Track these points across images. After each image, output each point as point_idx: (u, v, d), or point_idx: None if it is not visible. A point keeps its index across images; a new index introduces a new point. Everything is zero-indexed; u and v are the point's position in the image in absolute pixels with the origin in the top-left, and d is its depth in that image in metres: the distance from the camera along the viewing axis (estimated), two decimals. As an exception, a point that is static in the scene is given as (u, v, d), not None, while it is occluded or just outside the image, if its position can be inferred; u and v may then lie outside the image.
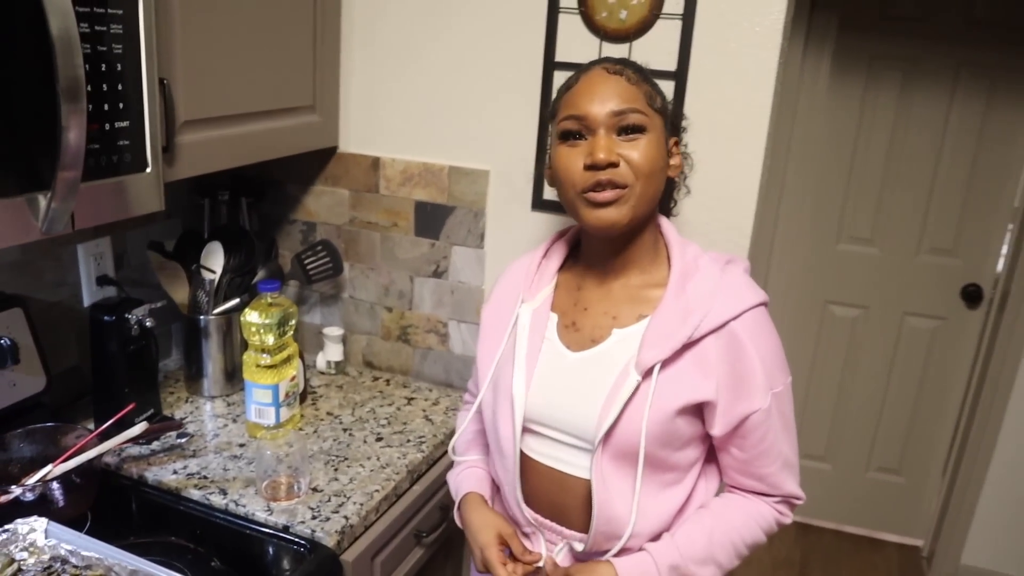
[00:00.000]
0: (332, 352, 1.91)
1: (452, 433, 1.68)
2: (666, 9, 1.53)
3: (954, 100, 2.81)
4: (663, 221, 1.19)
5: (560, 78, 1.64)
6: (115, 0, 1.11)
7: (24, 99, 1.02)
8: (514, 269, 1.29)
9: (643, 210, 1.09)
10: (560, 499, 1.18)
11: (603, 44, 1.60)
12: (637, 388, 1.07)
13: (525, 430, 1.18)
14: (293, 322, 1.60)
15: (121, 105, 1.17)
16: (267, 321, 1.54)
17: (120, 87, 1.16)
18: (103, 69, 1.12)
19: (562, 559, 1.19)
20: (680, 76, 1.56)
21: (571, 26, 1.61)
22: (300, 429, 1.66)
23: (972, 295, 2.96)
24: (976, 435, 2.89)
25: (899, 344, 3.09)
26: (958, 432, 3.05)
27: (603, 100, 1.07)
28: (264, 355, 1.56)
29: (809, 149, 2.92)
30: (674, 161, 1.15)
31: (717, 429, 1.11)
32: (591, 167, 1.06)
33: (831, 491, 3.31)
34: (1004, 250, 2.88)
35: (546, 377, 1.16)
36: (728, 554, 1.13)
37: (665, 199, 1.24)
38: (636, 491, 1.09)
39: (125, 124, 1.18)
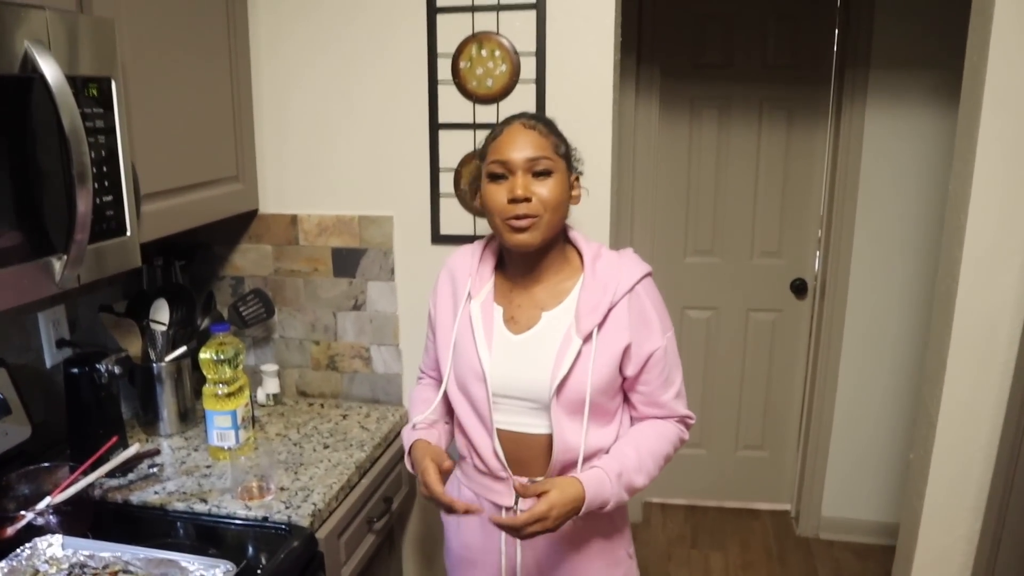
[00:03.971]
0: (270, 386, 2.20)
1: (387, 436, 2.01)
2: (523, 76, 1.95)
3: (762, 129, 3.37)
4: (573, 232, 1.53)
5: (444, 136, 2.03)
6: (101, 100, 1.42)
7: (40, 183, 1.31)
8: (457, 268, 1.59)
9: (551, 232, 1.42)
10: (521, 454, 1.50)
11: (476, 106, 2.00)
12: (580, 351, 1.41)
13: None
14: (242, 356, 1.89)
15: (107, 183, 1.46)
16: (223, 356, 1.83)
17: (106, 169, 1.45)
18: (95, 156, 1.42)
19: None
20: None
21: (449, 94, 2.00)
22: (256, 448, 1.94)
23: (799, 288, 3.50)
24: (818, 405, 3.41)
25: (747, 337, 3.60)
26: (804, 405, 3.57)
27: (520, 149, 1.38)
28: (222, 386, 1.85)
29: (649, 180, 3.41)
30: (575, 192, 1.48)
31: (630, 369, 1.45)
32: (512, 200, 1.38)
33: (708, 473, 3.76)
34: (818, 247, 3.45)
35: (499, 357, 1.47)
36: (654, 463, 1.47)
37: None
38: (584, 429, 1.44)
39: (110, 198, 1.47)
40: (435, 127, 2.03)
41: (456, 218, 2.08)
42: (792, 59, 3.27)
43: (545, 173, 1.40)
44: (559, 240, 1.49)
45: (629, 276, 1.45)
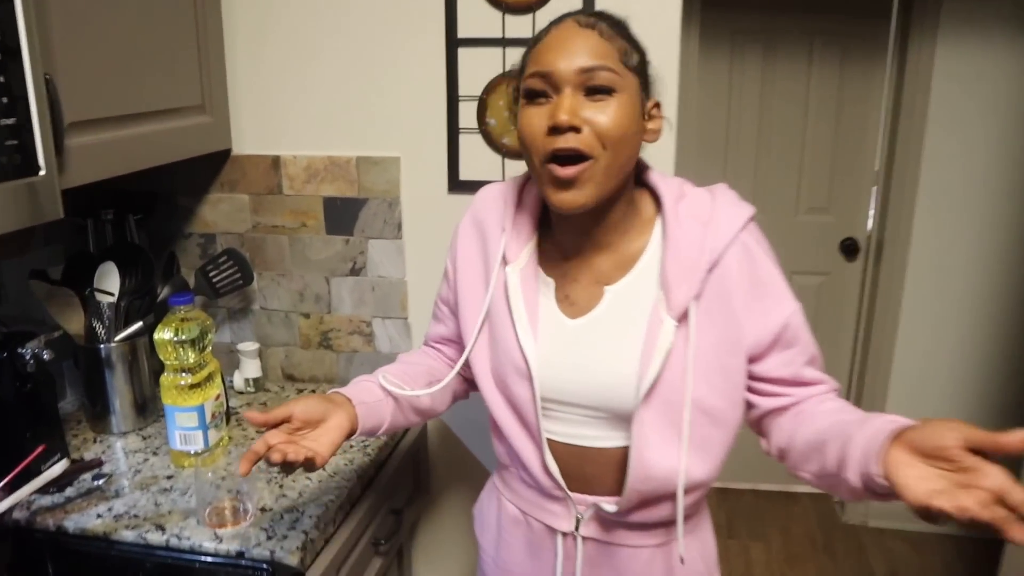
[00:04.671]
0: (249, 369, 1.78)
1: (393, 436, 1.61)
2: (569, -26, 1.52)
3: (812, 68, 2.96)
4: (646, 171, 1.12)
5: (466, 55, 1.60)
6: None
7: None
8: (485, 216, 1.18)
9: (611, 185, 1.00)
10: (584, 470, 1.12)
11: (506, 16, 1.57)
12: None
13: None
14: (211, 336, 1.48)
15: (5, 99, 1.03)
16: (184, 337, 1.41)
17: (3, 79, 1.03)
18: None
19: (588, 520, 1.13)
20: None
21: (472, 1, 1.57)
22: (231, 452, 1.53)
23: (849, 248, 3.12)
24: (870, 379, 3.04)
25: (789, 304, 3.21)
26: (853, 378, 3.21)
27: (571, 56, 0.96)
28: (185, 374, 1.43)
29: (687, 125, 3.00)
30: (652, 125, 1.04)
31: (760, 346, 1.05)
32: (553, 130, 0.96)
33: (741, 451, 3.38)
34: (871, 203, 3.06)
35: (550, 349, 1.09)
36: None
37: None
38: (683, 449, 1.05)
39: (11, 121, 1.05)
40: (453, 44, 1.60)
41: (480, 159, 1.65)
42: (851, -15, 2.84)
43: (604, 91, 0.97)
44: (627, 186, 1.06)
45: (729, 221, 1.03)
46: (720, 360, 1.04)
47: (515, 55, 1.55)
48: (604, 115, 0.96)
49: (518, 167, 1.63)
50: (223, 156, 1.74)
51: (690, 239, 1.02)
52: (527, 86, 1.00)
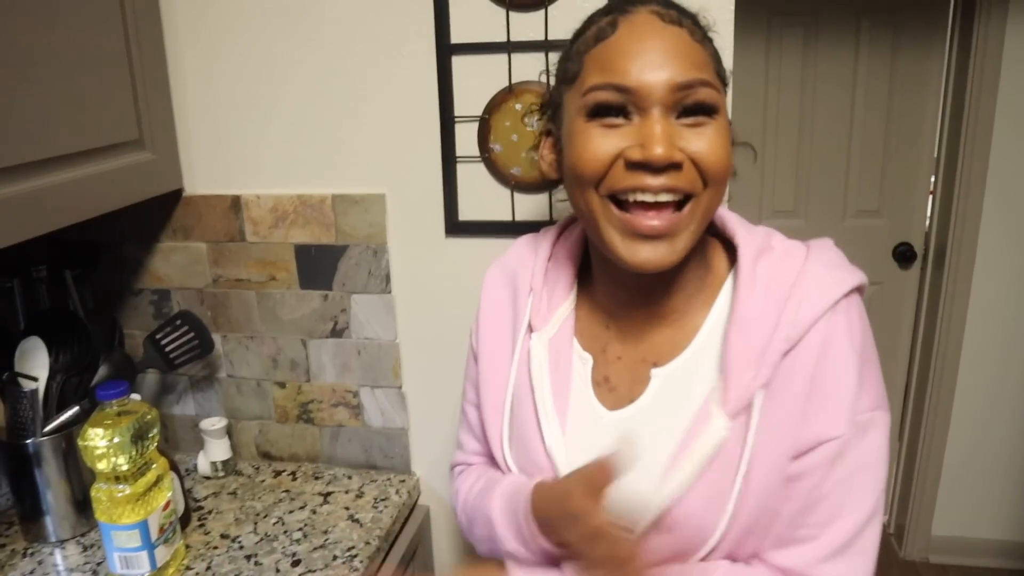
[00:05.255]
0: (216, 450, 1.49)
1: (387, 533, 1.32)
2: (590, -42, 1.20)
3: (859, 52, 2.63)
4: (720, 212, 0.86)
5: (462, 65, 1.29)
6: None
7: None
8: (519, 269, 0.94)
9: (701, 233, 0.77)
10: None
11: (511, 14, 1.25)
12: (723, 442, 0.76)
13: None
14: (156, 430, 1.18)
15: None
16: (118, 440, 1.12)
17: None
18: None
19: None
20: (615, 43, 1.23)
21: (468, -4, 1.26)
22: (188, 568, 1.24)
23: (904, 255, 2.79)
24: (933, 399, 2.71)
25: (837, 317, 2.89)
26: (909, 402, 2.88)
27: (660, 63, 0.71)
28: (121, 485, 1.14)
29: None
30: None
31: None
32: (641, 166, 0.71)
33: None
34: (929, 204, 2.73)
35: (581, 448, 0.82)
36: None
37: None
38: None
39: None
40: (446, 50, 1.29)
41: (483, 195, 1.34)
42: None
43: (705, 111, 0.72)
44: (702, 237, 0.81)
45: (822, 291, 0.75)
46: (777, 475, 0.75)
47: (522, 62, 1.26)
48: (706, 144, 0.72)
49: (531, 203, 1.32)
50: (174, 198, 1.44)
51: (765, 311, 0.76)
52: (594, 100, 0.73)
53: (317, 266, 1.42)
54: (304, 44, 1.33)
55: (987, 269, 2.56)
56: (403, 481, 1.48)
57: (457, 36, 1.28)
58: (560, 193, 1.29)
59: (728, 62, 1.18)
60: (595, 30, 0.76)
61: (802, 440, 0.74)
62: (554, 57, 1.24)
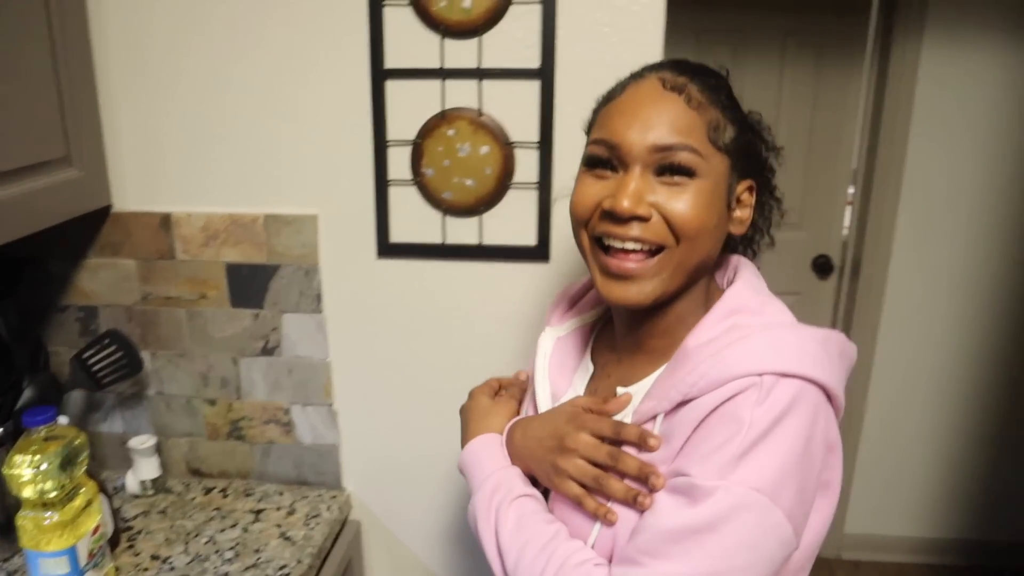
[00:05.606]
0: (145, 468, 1.48)
1: (319, 551, 1.34)
2: (521, -9, 1.23)
3: (784, 70, 2.71)
4: (741, 265, 0.90)
5: (396, 89, 1.31)
6: None
7: None
8: (561, 292, 1.08)
9: (679, 282, 0.81)
10: None
11: (445, 40, 1.28)
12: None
13: None
14: (84, 455, 1.17)
15: None
16: (45, 467, 1.11)
17: None
18: None
19: None
20: (545, 75, 1.26)
21: (402, 22, 1.27)
22: (113, 591, 1.24)
23: (822, 266, 2.89)
24: (846, 406, 2.83)
25: (760, 325, 2.99)
26: (828, 405, 3.00)
27: (646, 127, 0.77)
28: (49, 512, 1.13)
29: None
30: (740, 213, 0.85)
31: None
32: (609, 215, 0.78)
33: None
34: (848, 216, 2.84)
35: None
36: (531, 559, 0.80)
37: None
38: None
39: None
40: (380, 75, 1.31)
41: (416, 217, 1.37)
42: (824, -19, 2.59)
43: (682, 172, 0.78)
44: (697, 286, 0.86)
45: (745, 359, 0.75)
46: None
47: (456, 88, 1.29)
48: (679, 203, 0.77)
49: (462, 226, 1.35)
50: (102, 214, 1.42)
51: (699, 355, 0.78)
52: (589, 152, 0.83)
53: (248, 285, 1.42)
54: (239, 64, 1.33)
55: (900, 280, 2.68)
56: (334, 497, 1.49)
57: (392, 61, 1.30)
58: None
59: None
60: (610, 92, 0.85)
61: (675, 465, 0.76)
62: (487, 83, 1.29)
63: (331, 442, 1.50)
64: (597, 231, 0.81)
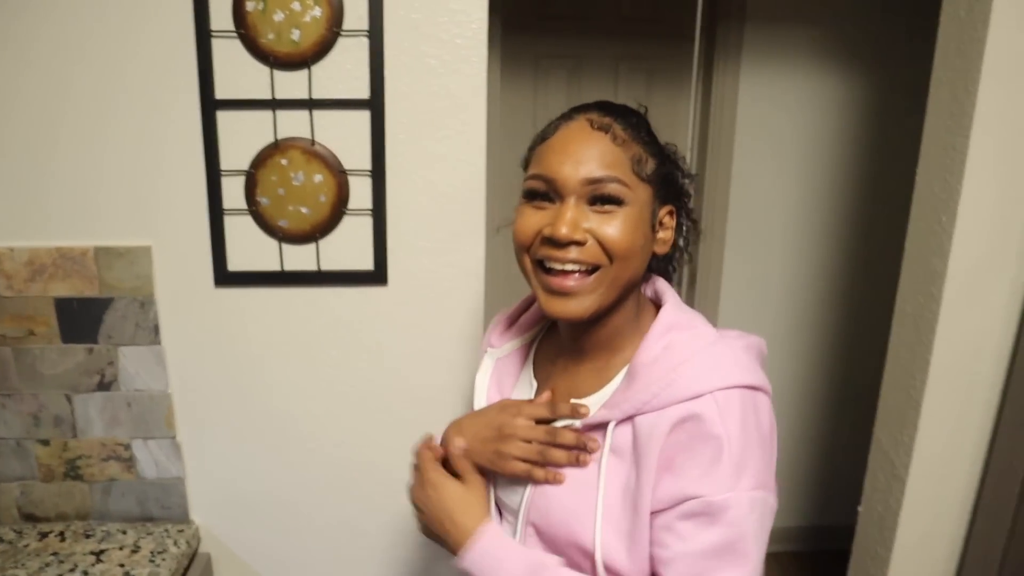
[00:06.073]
0: (-30, 517, 1.41)
1: (165, 589, 1.32)
2: (347, 25, 1.27)
3: (618, 92, 2.87)
4: (659, 284, 1.00)
5: (227, 120, 1.32)
6: None
7: None
8: (498, 316, 1.14)
9: (614, 297, 0.90)
10: None
11: (275, 72, 1.30)
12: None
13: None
14: None
15: None
16: None
17: None
18: None
19: None
20: (375, 105, 1.31)
21: (230, 53, 1.29)
22: (-62, 648, 1.18)
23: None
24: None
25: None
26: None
27: (577, 162, 0.87)
28: None
29: (492, 156, 2.82)
30: (662, 235, 0.94)
31: (650, 504, 0.86)
32: (549, 240, 0.88)
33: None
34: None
35: None
36: None
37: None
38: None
39: None
40: (211, 105, 1.31)
41: (252, 246, 1.38)
42: (653, 11, 2.76)
43: (612, 202, 0.88)
44: (628, 300, 0.95)
45: (695, 379, 0.85)
46: (621, 507, 0.88)
47: (289, 118, 1.32)
48: (610, 228, 0.87)
49: (300, 253, 1.37)
50: (-87, 251, 1.35)
51: (649, 372, 0.88)
52: (527, 187, 0.92)
53: (80, 319, 1.38)
54: (65, 94, 1.30)
55: (732, 294, 2.88)
56: (181, 531, 1.47)
57: (222, 92, 1.31)
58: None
59: (482, 101, 1.33)
60: (543, 132, 0.94)
61: (672, 489, 0.84)
62: (319, 113, 1.32)
63: (176, 475, 1.47)
64: (539, 255, 0.89)
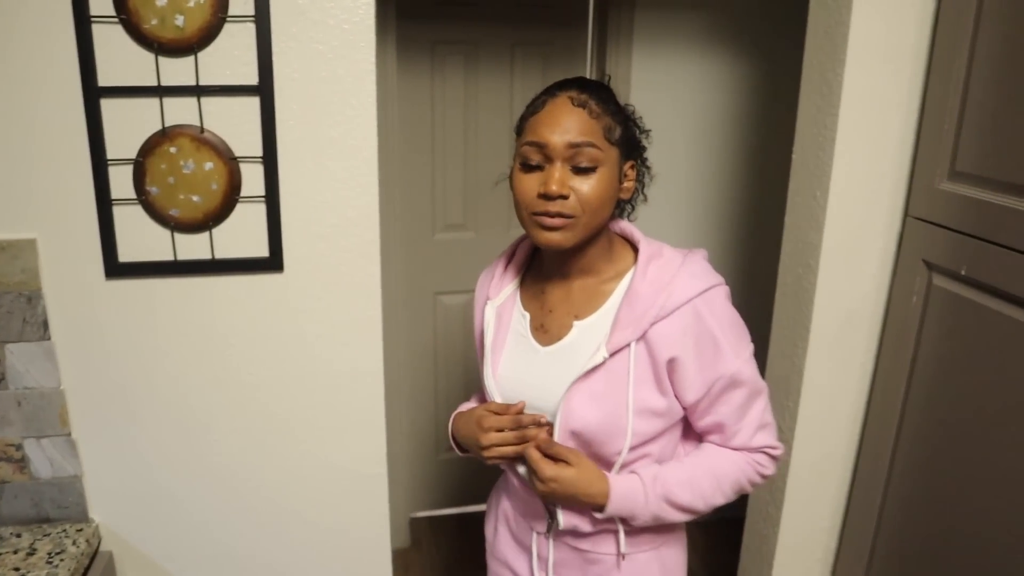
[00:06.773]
0: None
1: (65, 589, 1.30)
2: (232, 11, 1.26)
3: (514, 78, 2.90)
4: (623, 224, 1.25)
5: (112, 108, 1.29)
6: None
7: None
8: (482, 277, 1.36)
9: (588, 233, 1.15)
10: None
11: (160, 59, 1.28)
12: (604, 363, 1.16)
13: None
14: None
15: None
16: None
17: None
18: None
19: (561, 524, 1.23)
20: (264, 91, 1.31)
21: (113, 39, 1.26)
22: None
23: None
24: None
25: (514, 317, 3.17)
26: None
27: (563, 131, 1.11)
28: None
29: (389, 137, 2.82)
30: (627, 184, 1.20)
31: (691, 394, 1.17)
32: (543, 196, 1.11)
33: (482, 471, 3.33)
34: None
35: (520, 371, 1.24)
36: (711, 482, 1.21)
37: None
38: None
39: None
40: (94, 93, 1.28)
41: (144, 236, 1.36)
42: (544, -4, 2.81)
43: (589, 168, 1.13)
44: (603, 232, 1.22)
45: (684, 287, 1.17)
46: (643, 393, 1.16)
47: (176, 105, 1.30)
48: (587, 186, 1.12)
49: (194, 242, 1.36)
50: None
51: (647, 294, 1.15)
52: (523, 152, 1.15)
53: (-38, 318, 1.34)
54: (-72, 85, 1.25)
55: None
56: (80, 530, 1.44)
57: (105, 79, 1.29)
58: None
59: (371, 85, 1.37)
60: (533, 106, 1.15)
61: (708, 376, 1.16)
62: (207, 100, 1.31)
63: (72, 473, 1.44)
64: (534, 209, 1.12)
